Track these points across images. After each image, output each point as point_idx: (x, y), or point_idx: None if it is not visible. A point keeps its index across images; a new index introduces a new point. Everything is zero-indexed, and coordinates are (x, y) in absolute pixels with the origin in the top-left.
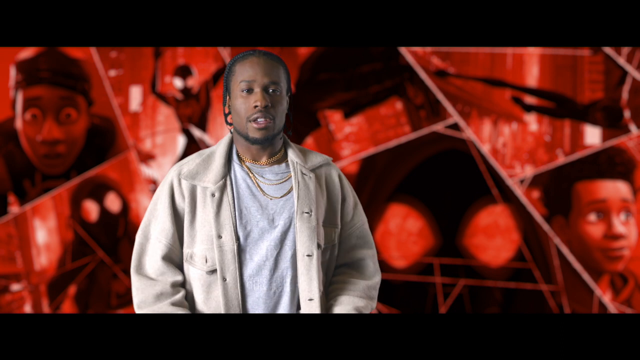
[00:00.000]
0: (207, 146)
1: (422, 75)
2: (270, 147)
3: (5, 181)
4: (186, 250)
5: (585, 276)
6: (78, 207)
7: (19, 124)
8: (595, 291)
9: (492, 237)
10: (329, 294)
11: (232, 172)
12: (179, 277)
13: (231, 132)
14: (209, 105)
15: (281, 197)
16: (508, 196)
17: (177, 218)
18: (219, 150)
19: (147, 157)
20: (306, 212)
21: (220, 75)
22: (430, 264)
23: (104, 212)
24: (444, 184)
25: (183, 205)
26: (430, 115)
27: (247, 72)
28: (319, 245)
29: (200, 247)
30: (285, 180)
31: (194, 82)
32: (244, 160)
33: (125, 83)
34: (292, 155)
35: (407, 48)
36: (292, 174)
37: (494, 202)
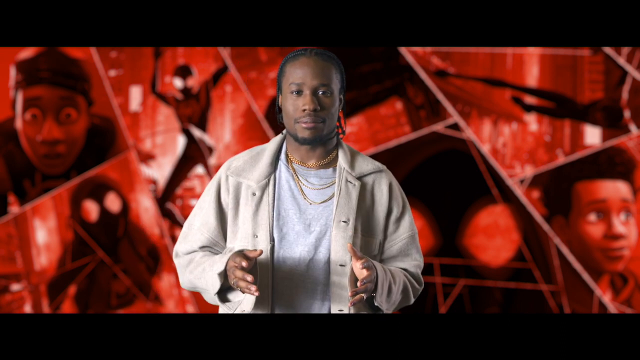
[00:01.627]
0: (207, 146)
1: (422, 75)
2: (320, 148)
3: (5, 181)
4: (228, 245)
5: (585, 276)
6: (78, 207)
7: (19, 124)
8: (595, 291)
9: (492, 237)
10: None
11: (278, 171)
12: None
13: (282, 133)
14: (209, 105)
15: (321, 202)
16: (508, 196)
17: (221, 213)
18: (269, 148)
19: (147, 157)
20: (343, 221)
21: (220, 75)
22: (430, 264)
23: (104, 212)
24: (444, 184)
25: (228, 200)
26: (430, 115)
27: (296, 74)
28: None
29: (239, 244)
30: (328, 186)
31: (194, 82)
32: (291, 161)
33: (125, 83)
34: (341, 160)
35: (407, 48)
36: (337, 180)
37: (494, 202)
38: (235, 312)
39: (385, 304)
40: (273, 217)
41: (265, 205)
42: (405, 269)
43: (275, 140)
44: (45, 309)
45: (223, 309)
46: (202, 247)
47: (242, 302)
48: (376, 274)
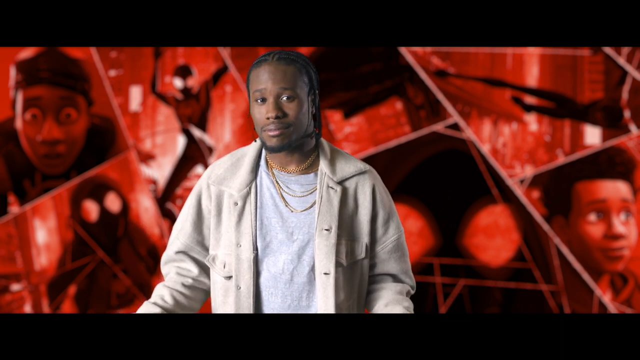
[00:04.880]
0: (207, 146)
1: (422, 75)
2: (298, 152)
3: (5, 181)
4: (211, 252)
5: (585, 276)
6: (78, 207)
7: (19, 124)
8: (595, 291)
9: (492, 237)
10: (368, 303)
11: (259, 179)
12: (190, 266)
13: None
14: (209, 105)
15: (302, 211)
16: (508, 196)
17: (199, 220)
18: (249, 154)
19: (147, 157)
20: (326, 229)
21: (220, 75)
22: (430, 264)
23: (104, 212)
24: (444, 184)
25: (210, 207)
26: (430, 115)
27: (259, 81)
28: (339, 263)
29: (222, 252)
30: (310, 193)
31: (194, 82)
32: (271, 167)
33: (125, 83)
34: (322, 164)
35: (407, 48)
36: (318, 187)
37: (494, 202)
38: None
39: None
40: (256, 226)
41: (247, 214)
42: (396, 274)
43: (254, 146)
44: (45, 309)
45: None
46: (177, 252)
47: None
48: None
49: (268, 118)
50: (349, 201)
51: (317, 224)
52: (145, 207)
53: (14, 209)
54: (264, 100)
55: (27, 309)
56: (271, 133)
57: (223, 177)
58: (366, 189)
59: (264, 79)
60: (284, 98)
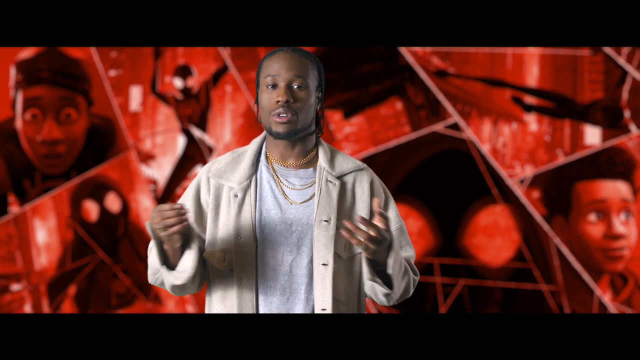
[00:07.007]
0: (207, 146)
1: (422, 75)
2: (299, 146)
3: (5, 181)
4: (208, 248)
5: (585, 276)
6: (78, 207)
7: (19, 124)
8: (595, 291)
9: (492, 237)
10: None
11: (259, 172)
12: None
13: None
14: (209, 105)
15: (301, 203)
16: (508, 196)
17: (200, 213)
18: (250, 149)
19: (147, 157)
20: (325, 220)
21: (220, 75)
22: (430, 264)
23: (104, 212)
24: (444, 184)
25: (208, 200)
26: (430, 115)
27: (272, 67)
28: (337, 255)
29: (221, 246)
30: (309, 186)
31: (194, 82)
32: (271, 161)
33: (125, 83)
34: (321, 159)
35: (407, 48)
36: (317, 180)
37: (494, 202)
38: (185, 276)
39: (397, 279)
40: (255, 218)
41: (247, 206)
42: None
43: (255, 141)
44: (45, 309)
45: (173, 281)
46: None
47: (186, 265)
48: (390, 238)
49: (278, 102)
50: (347, 195)
51: (317, 215)
52: (145, 207)
53: (14, 209)
54: (275, 86)
55: (27, 309)
56: (278, 119)
57: (223, 170)
58: (364, 183)
59: (278, 66)
60: (295, 86)
